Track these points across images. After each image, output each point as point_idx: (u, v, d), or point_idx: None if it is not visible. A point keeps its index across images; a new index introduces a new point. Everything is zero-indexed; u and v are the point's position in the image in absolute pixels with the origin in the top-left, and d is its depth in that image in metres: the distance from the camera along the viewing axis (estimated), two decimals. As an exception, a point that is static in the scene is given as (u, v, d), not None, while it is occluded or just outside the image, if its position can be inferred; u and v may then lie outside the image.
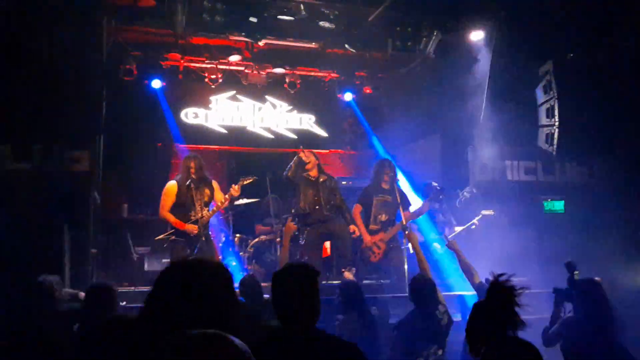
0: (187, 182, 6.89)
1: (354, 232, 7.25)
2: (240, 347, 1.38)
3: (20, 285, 5.29)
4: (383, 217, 7.39)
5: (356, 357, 2.55)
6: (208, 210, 7.03)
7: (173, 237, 6.92)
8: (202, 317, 1.64)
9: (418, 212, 7.50)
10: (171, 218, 6.88)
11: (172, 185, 6.99)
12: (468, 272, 4.91)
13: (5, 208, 6.37)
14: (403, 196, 7.43)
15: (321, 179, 7.42)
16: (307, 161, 7.35)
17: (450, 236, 7.91)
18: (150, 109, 9.50)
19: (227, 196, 7.03)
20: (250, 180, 7.21)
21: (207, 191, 7.01)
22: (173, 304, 1.67)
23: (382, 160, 7.82)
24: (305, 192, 7.32)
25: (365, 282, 7.26)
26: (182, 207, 6.91)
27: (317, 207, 7.28)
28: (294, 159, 7.41)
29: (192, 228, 6.83)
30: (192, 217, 6.88)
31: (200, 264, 1.79)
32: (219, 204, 7.07)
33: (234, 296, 1.77)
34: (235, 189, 6.96)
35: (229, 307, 1.71)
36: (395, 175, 7.44)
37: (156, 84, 9.41)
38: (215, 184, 7.18)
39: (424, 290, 4.46)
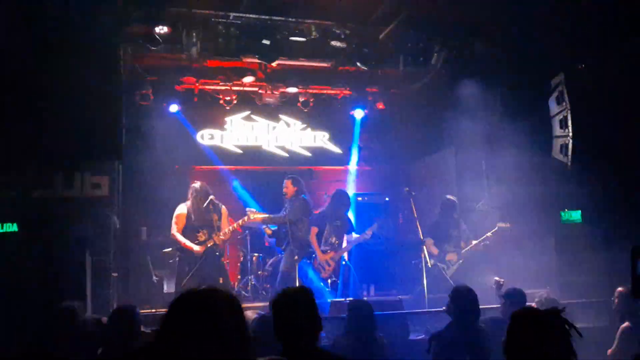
0: (197, 208, 7.57)
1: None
2: None
3: (43, 311, 5.40)
4: (333, 240, 8.32)
5: None
6: (216, 232, 7.55)
7: (178, 253, 7.66)
8: (213, 351, 1.63)
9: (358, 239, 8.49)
10: (180, 239, 7.56)
11: (182, 209, 7.65)
12: None
13: (28, 235, 6.51)
14: (349, 222, 8.61)
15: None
16: (285, 192, 8.16)
17: (464, 250, 7.98)
18: (166, 132, 9.61)
19: (227, 230, 7.70)
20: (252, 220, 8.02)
21: (215, 217, 7.57)
22: (184, 337, 1.66)
23: (342, 193, 8.68)
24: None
25: (383, 298, 7.36)
26: (191, 229, 7.58)
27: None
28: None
29: (198, 249, 7.49)
30: (199, 239, 7.56)
31: (212, 295, 1.75)
32: (222, 235, 7.60)
33: (245, 329, 1.74)
34: (237, 225, 7.80)
35: (240, 342, 1.70)
36: (349, 206, 8.61)
37: (173, 108, 9.57)
38: (224, 210, 7.79)
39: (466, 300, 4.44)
